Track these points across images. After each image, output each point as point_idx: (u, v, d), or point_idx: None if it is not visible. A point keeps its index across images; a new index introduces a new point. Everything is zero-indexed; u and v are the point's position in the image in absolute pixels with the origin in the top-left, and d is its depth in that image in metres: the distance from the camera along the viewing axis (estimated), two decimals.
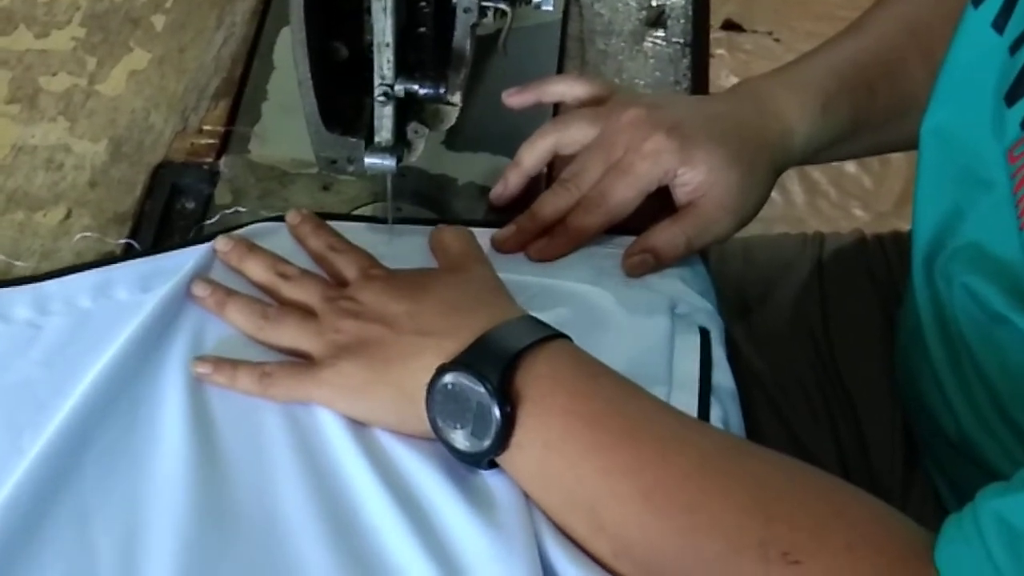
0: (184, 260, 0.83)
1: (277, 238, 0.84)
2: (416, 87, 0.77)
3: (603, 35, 1.04)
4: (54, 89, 0.96)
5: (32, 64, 0.98)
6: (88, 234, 0.86)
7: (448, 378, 0.69)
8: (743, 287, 1.02)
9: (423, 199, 0.91)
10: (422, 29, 0.79)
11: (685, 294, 0.84)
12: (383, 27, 0.74)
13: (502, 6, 0.78)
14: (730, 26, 2.53)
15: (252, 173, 0.91)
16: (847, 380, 0.96)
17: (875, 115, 0.91)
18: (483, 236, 0.85)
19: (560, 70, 1.01)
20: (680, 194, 0.85)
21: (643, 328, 0.81)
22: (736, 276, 1.02)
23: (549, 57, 1.02)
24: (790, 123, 0.88)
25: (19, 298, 0.81)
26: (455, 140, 0.95)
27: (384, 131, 0.79)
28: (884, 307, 0.99)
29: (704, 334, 0.82)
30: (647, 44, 1.03)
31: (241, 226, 0.86)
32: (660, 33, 1.04)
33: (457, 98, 0.81)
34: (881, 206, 2.17)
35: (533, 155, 0.88)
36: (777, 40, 2.50)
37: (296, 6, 0.74)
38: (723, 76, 2.36)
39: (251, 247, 0.83)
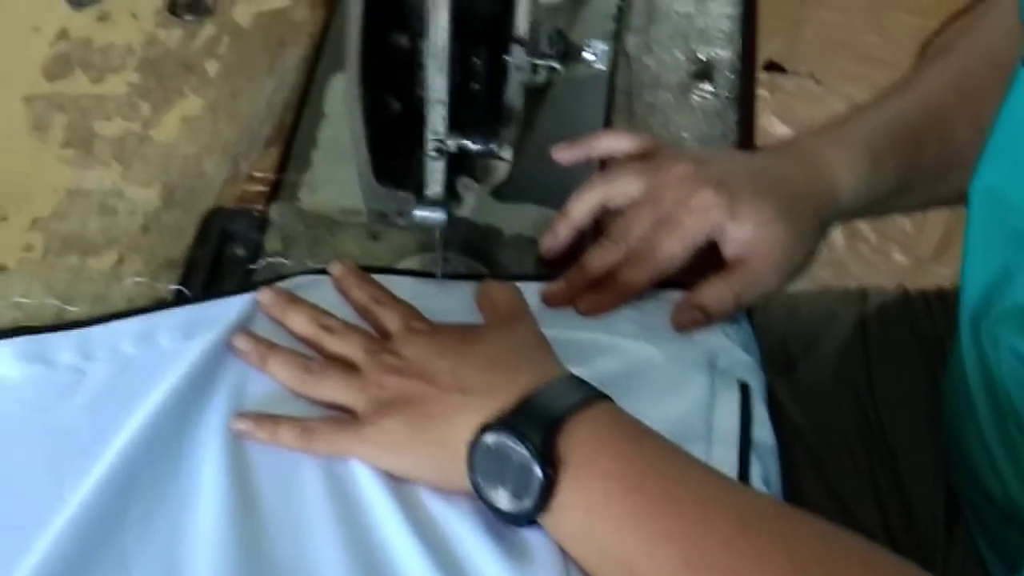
0: (227, 309, 0.84)
1: (321, 290, 0.85)
2: (468, 143, 0.77)
3: (651, 88, 1.04)
4: (108, 134, 0.97)
5: (88, 109, 0.99)
6: (140, 279, 0.87)
7: (491, 438, 0.70)
8: (786, 341, 1.02)
9: (470, 250, 0.92)
10: (475, 85, 0.80)
11: (728, 348, 0.85)
12: (437, 84, 0.75)
13: (553, 64, 0.78)
14: (772, 67, 2.53)
15: (302, 221, 0.92)
16: (890, 437, 0.96)
17: (922, 172, 0.92)
18: (530, 289, 0.86)
19: (607, 122, 1.02)
20: (728, 249, 0.85)
21: (684, 384, 0.82)
22: (779, 329, 1.02)
23: (596, 109, 1.03)
24: (838, 179, 0.88)
25: (64, 343, 0.82)
26: (502, 191, 0.95)
27: (435, 185, 0.80)
28: (928, 364, 0.99)
29: (744, 389, 0.82)
30: (694, 97, 1.04)
31: (285, 277, 0.87)
32: (707, 86, 1.05)
33: (508, 153, 0.82)
34: (922, 251, 2.17)
35: (582, 208, 0.89)
36: (818, 82, 2.50)
37: (352, 62, 0.75)
38: (765, 117, 2.37)
39: (293, 299, 0.84)
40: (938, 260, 2.13)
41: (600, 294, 0.86)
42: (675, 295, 0.87)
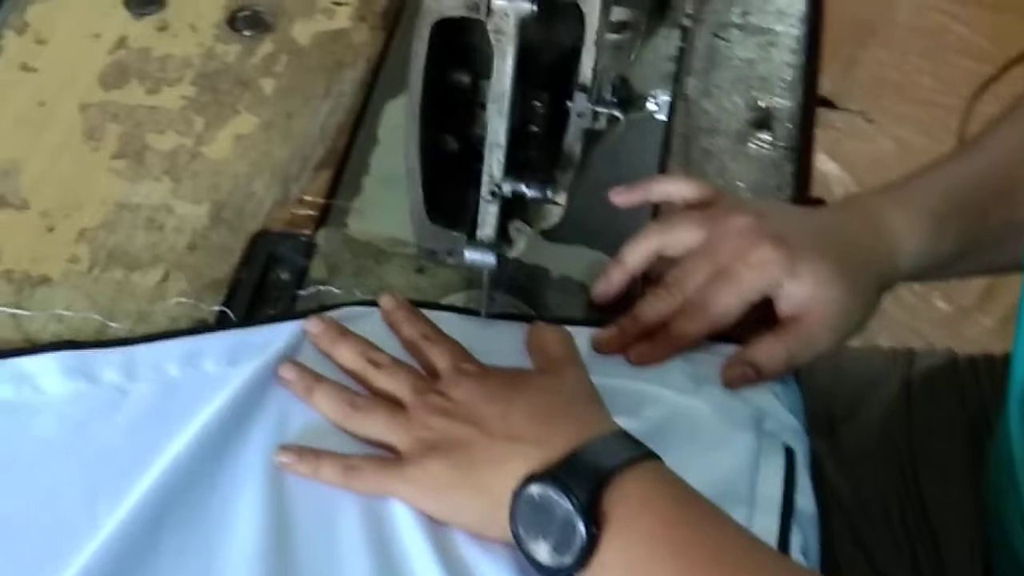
0: (273, 337, 0.83)
1: (369, 323, 0.85)
2: (524, 188, 0.76)
3: (708, 133, 1.03)
4: (161, 148, 0.97)
5: (141, 120, 0.99)
6: (183, 299, 0.87)
7: (536, 489, 0.69)
8: (830, 402, 1.01)
9: (516, 289, 0.91)
10: (534, 128, 0.79)
11: (775, 410, 0.83)
12: (496, 128, 0.74)
13: (616, 113, 0.77)
14: (823, 103, 2.51)
15: (348, 249, 0.92)
16: (930, 508, 0.95)
17: (985, 238, 0.90)
18: (580, 334, 0.85)
19: (663, 166, 1.01)
20: (784, 306, 0.84)
21: (731, 443, 0.81)
22: (824, 390, 1.01)
23: (652, 152, 1.02)
24: (898, 243, 0.87)
25: (110, 360, 0.82)
26: (552, 231, 0.94)
27: (487, 228, 0.79)
28: (973, 435, 0.97)
29: (790, 454, 0.81)
30: (751, 146, 1.03)
31: (335, 307, 0.86)
32: (766, 136, 1.03)
33: (562, 198, 0.81)
34: (964, 300, 2.14)
35: (638, 255, 0.88)
36: (870, 121, 2.48)
37: (414, 99, 0.74)
38: (812, 153, 2.35)
39: (343, 331, 0.83)
40: (981, 309, 2.10)
41: (652, 344, 0.85)
42: (727, 349, 0.86)
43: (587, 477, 0.68)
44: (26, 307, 0.86)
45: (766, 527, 0.76)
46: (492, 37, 0.70)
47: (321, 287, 0.88)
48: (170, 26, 1.06)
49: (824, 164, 2.34)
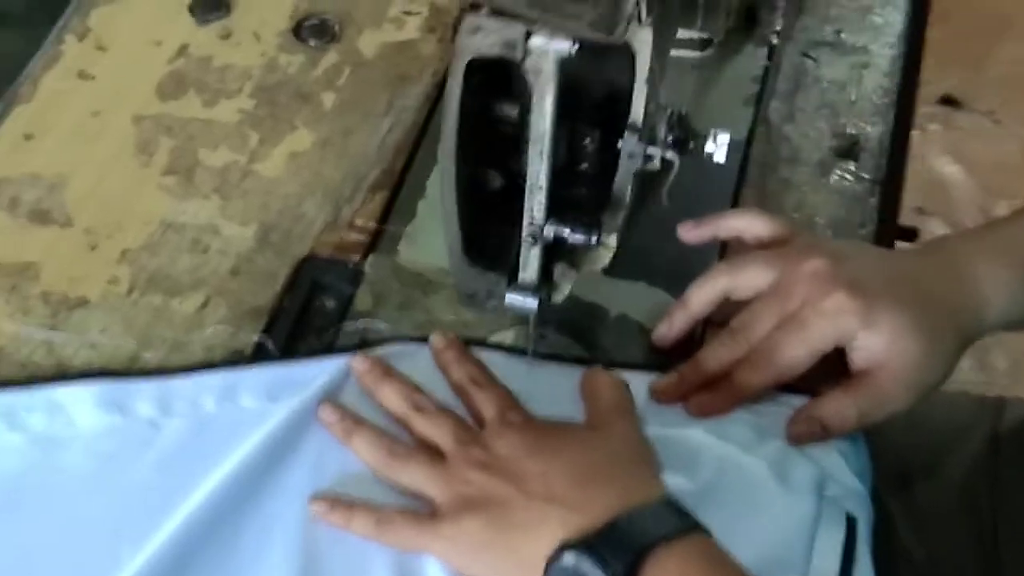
0: (315, 372, 0.80)
1: (418, 361, 0.81)
2: (566, 232, 0.72)
3: (788, 163, 0.97)
4: (212, 164, 0.94)
5: (195, 135, 0.96)
6: (221, 326, 0.84)
7: (570, 559, 0.65)
8: (906, 455, 0.94)
9: (570, 329, 0.86)
10: (584, 166, 0.74)
11: (840, 472, 0.77)
12: (537, 170, 0.69)
13: (668, 155, 0.72)
14: (948, 102, 2.40)
15: (396, 278, 0.87)
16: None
17: None
18: (636, 380, 0.80)
19: (736, 196, 0.95)
20: (856, 358, 0.77)
21: (788, 510, 0.75)
22: (899, 441, 0.94)
23: (727, 182, 0.96)
24: (986, 295, 0.80)
25: (144, 391, 0.80)
26: (612, 267, 0.89)
27: (529, 270, 0.74)
28: None
29: (851, 524, 0.75)
30: (834, 177, 0.96)
31: (382, 341, 0.82)
32: (850, 165, 0.97)
33: (612, 240, 0.76)
34: None
35: (703, 298, 0.82)
36: (997, 122, 2.36)
37: (449, 133, 0.70)
38: (934, 156, 2.25)
39: (388, 371, 0.80)
40: None
41: (713, 395, 0.80)
42: (794, 400, 0.80)
43: (626, 548, 0.65)
44: (62, 329, 0.83)
45: None
46: (530, 77, 0.65)
47: (364, 322, 0.84)
48: (233, 34, 1.03)
49: (945, 166, 2.24)
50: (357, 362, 0.80)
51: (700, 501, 0.73)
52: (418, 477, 0.74)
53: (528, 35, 0.63)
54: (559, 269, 0.76)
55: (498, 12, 0.63)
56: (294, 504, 0.74)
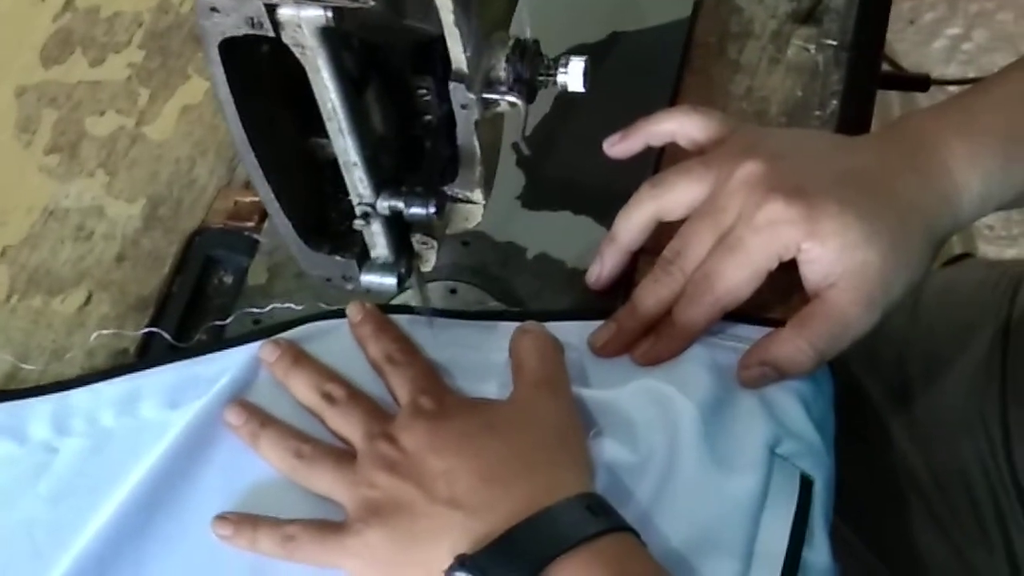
0: (220, 368, 0.73)
1: (336, 338, 0.73)
2: (402, 205, 0.62)
3: (737, 39, 0.84)
4: (99, 133, 0.86)
5: (81, 101, 0.87)
6: (104, 331, 0.76)
7: None
8: (906, 358, 0.82)
9: (485, 276, 0.77)
10: (428, 119, 0.64)
11: (798, 423, 0.67)
12: (344, 146, 0.59)
13: (510, 99, 0.61)
14: None
15: None
16: None
17: None
18: (573, 332, 0.71)
19: (677, 87, 0.82)
20: (807, 273, 0.66)
21: (731, 481, 0.66)
22: (898, 339, 0.82)
23: (668, 71, 0.83)
24: (958, 180, 0.67)
25: (40, 411, 0.73)
26: (531, 196, 0.79)
27: (379, 248, 0.65)
28: None
29: (806, 487, 0.65)
30: (792, 50, 0.83)
31: (301, 321, 0.74)
32: (809, 31, 0.83)
33: (478, 196, 0.66)
34: None
35: (631, 227, 0.72)
36: None
37: (235, 126, 0.59)
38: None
39: (298, 358, 0.72)
40: None
41: (657, 339, 0.70)
42: (750, 332, 0.70)
43: (522, 563, 0.58)
44: None
45: None
46: (296, 53, 0.55)
47: (247, 311, 0.76)
48: None
49: None
50: (265, 351, 0.72)
51: (638, 473, 0.66)
52: (326, 481, 0.67)
53: (272, 8, 0.53)
54: (418, 238, 0.66)
55: None
56: (206, 520, 0.67)
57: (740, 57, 0.83)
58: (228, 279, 0.80)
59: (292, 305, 0.76)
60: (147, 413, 0.73)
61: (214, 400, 0.71)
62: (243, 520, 0.67)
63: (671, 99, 0.82)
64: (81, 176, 0.84)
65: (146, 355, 0.76)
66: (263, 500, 0.68)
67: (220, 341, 0.76)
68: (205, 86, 0.87)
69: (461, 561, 0.59)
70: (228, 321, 0.76)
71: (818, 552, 0.65)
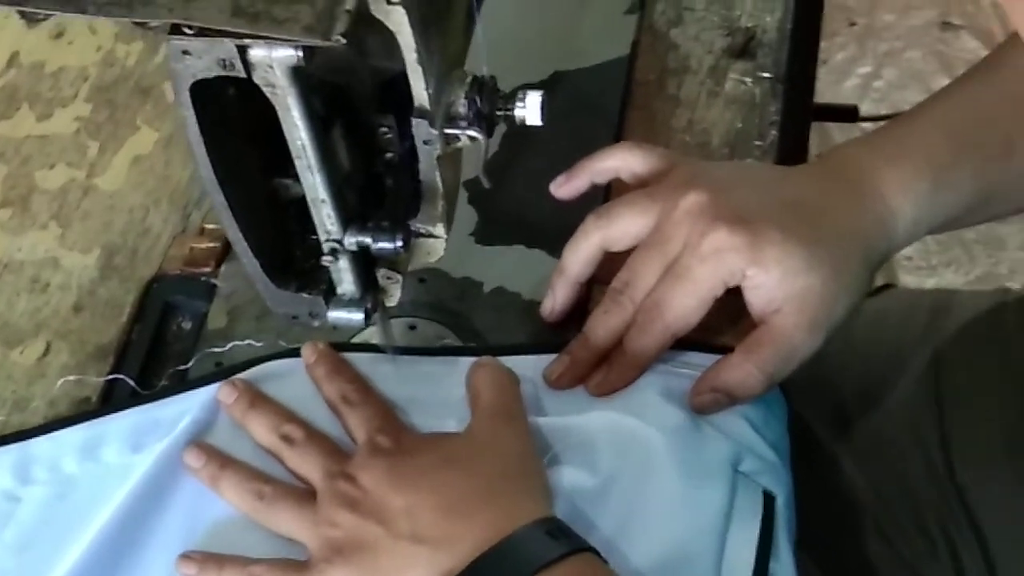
0: (180, 411, 0.73)
1: (293, 378, 0.73)
2: (369, 240, 0.63)
3: (675, 74, 0.87)
4: (49, 187, 0.86)
5: (30, 155, 0.88)
6: (68, 378, 0.77)
7: None
8: (842, 387, 0.85)
9: (441, 311, 0.78)
10: (390, 156, 0.66)
11: (754, 444, 0.69)
12: (312, 183, 0.61)
13: (471, 133, 0.63)
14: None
15: (251, 286, 0.79)
16: (973, 506, 0.79)
17: (1014, 177, 0.73)
18: (528, 366, 0.73)
19: (621, 124, 0.85)
20: (752, 300, 0.69)
21: (697, 496, 0.67)
22: (834, 371, 0.85)
23: (611, 107, 0.86)
24: (893, 207, 0.70)
25: (2, 461, 0.73)
26: (484, 232, 0.81)
27: (346, 284, 0.66)
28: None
29: (769, 503, 0.67)
30: (729, 83, 0.86)
31: (253, 362, 0.75)
32: (746, 65, 0.86)
33: (440, 230, 0.67)
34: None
35: (578, 259, 0.74)
36: None
37: (204, 166, 0.60)
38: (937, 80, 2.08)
39: (255, 399, 0.72)
40: None
41: (610, 370, 0.72)
42: (701, 359, 0.72)
43: None
44: None
45: None
46: (267, 93, 0.56)
47: (209, 350, 0.77)
48: (66, 31, 0.95)
49: None
50: (223, 393, 0.73)
51: (600, 497, 0.67)
52: (287, 522, 0.68)
53: (243, 49, 0.54)
54: (383, 273, 0.68)
55: (203, 32, 0.54)
56: (170, 561, 0.68)
57: (680, 92, 0.86)
58: (187, 325, 0.80)
59: (253, 342, 0.77)
60: (110, 458, 0.73)
61: (175, 442, 0.71)
62: (208, 559, 0.67)
63: (616, 135, 0.84)
64: (34, 228, 0.84)
65: (109, 402, 0.77)
66: (226, 540, 0.69)
67: (181, 383, 0.76)
68: (155, 136, 0.88)
69: None
70: (190, 364, 0.77)
71: (784, 565, 0.66)
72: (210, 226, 0.83)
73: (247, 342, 0.77)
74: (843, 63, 2.20)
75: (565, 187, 0.77)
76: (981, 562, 0.78)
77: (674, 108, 0.85)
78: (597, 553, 0.62)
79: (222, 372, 0.75)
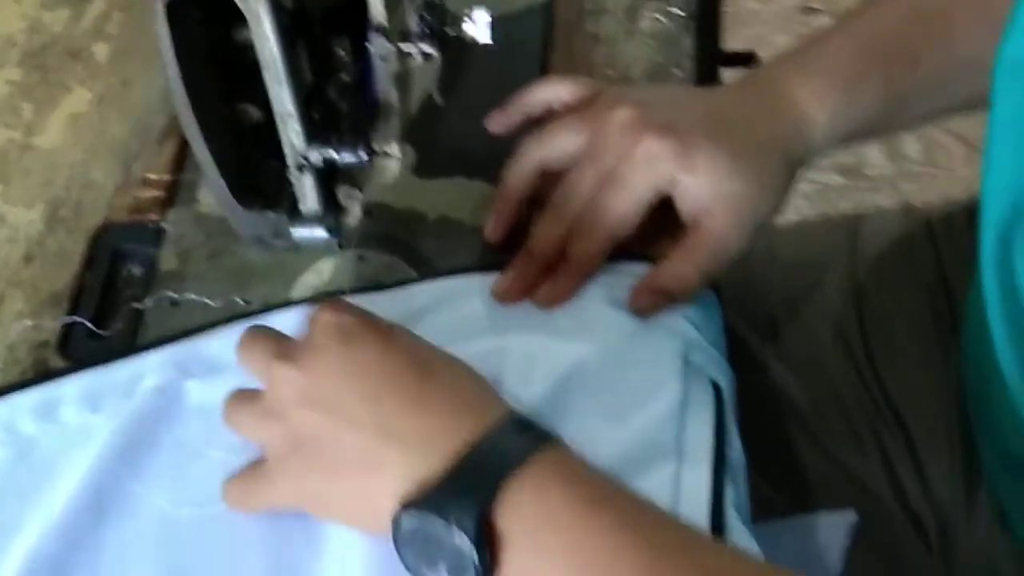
0: (138, 370, 0.74)
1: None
2: (334, 153, 0.66)
3: (593, 15, 0.91)
4: None
5: None
6: (26, 322, 0.78)
7: (415, 520, 0.59)
8: (768, 297, 0.90)
9: (390, 241, 0.81)
10: (343, 76, 0.69)
11: (697, 341, 0.73)
12: (281, 96, 0.63)
13: (424, 48, 0.66)
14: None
15: (201, 229, 0.82)
16: (895, 397, 0.84)
17: (920, 86, 0.78)
18: (475, 285, 0.75)
19: (545, 63, 0.89)
20: (683, 205, 0.73)
21: (658, 385, 0.70)
22: (761, 285, 0.90)
23: (532, 50, 0.90)
24: (806, 114, 0.75)
25: None
26: (425, 166, 0.84)
27: (309, 201, 0.69)
28: (934, 303, 0.87)
29: (717, 392, 0.71)
30: (645, 22, 0.90)
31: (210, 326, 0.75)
32: (661, 4, 0.91)
33: (394, 149, 0.71)
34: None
35: (518, 179, 0.77)
36: None
37: (177, 87, 0.63)
38: None
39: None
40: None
41: (555, 279, 0.74)
42: (640, 268, 0.75)
43: (471, 499, 0.58)
44: None
45: (697, 483, 0.67)
46: (239, 4, 0.59)
47: (164, 294, 0.79)
48: None
49: None
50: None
51: (556, 402, 0.69)
52: (242, 422, 0.67)
53: None
54: (343, 191, 0.70)
55: None
56: (152, 524, 0.68)
57: (598, 31, 0.90)
58: (138, 271, 0.82)
59: (208, 301, 0.79)
60: (68, 418, 0.73)
61: (142, 405, 0.72)
62: None
63: (540, 75, 0.88)
64: None
65: (67, 346, 0.78)
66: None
67: (130, 348, 0.77)
68: (89, 96, 0.90)
69: (406, 505, 0.59)
70: (147, 304, 0.79)
71: (735, 450, 0.70)
72: (153, 176, 0.85)
73: (202, 299, 0.78)
74: None
75: (500, 121, 0.81)
76: (904, 448, 0.84)
77: (593, 45, 0.90)
78: (562, 442, 0.63)
79: (171, 338, 0.75)
